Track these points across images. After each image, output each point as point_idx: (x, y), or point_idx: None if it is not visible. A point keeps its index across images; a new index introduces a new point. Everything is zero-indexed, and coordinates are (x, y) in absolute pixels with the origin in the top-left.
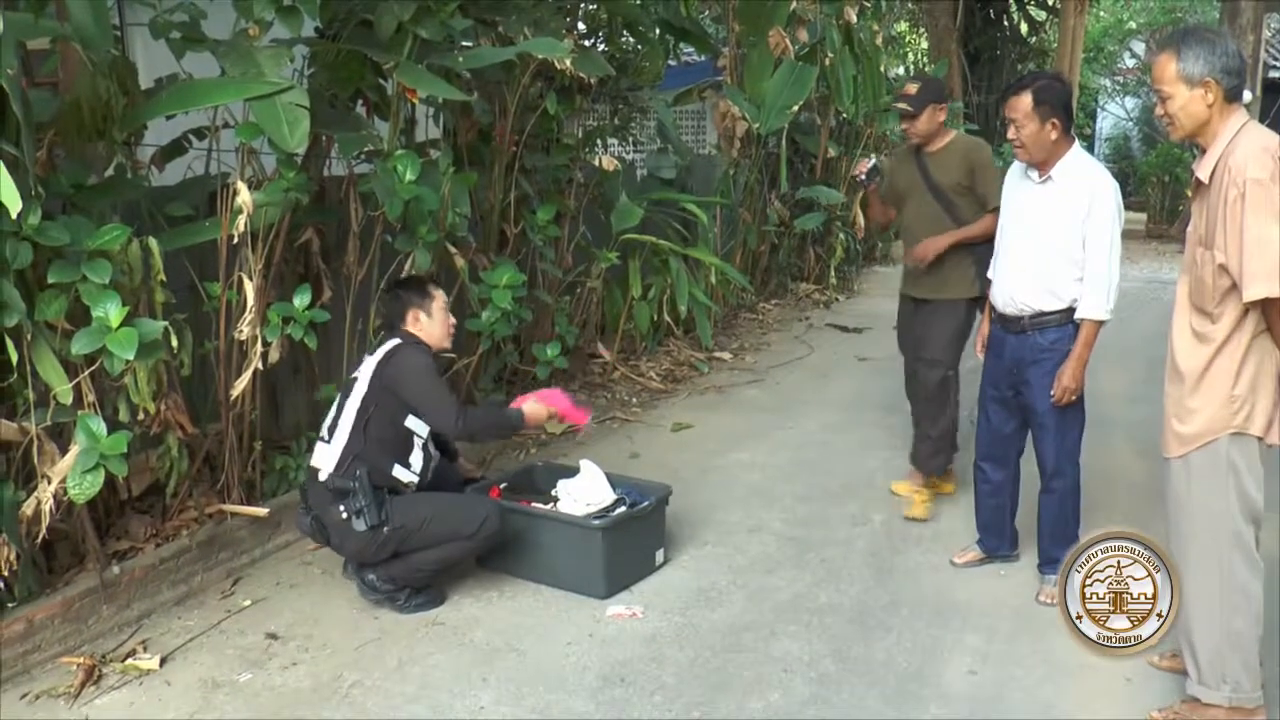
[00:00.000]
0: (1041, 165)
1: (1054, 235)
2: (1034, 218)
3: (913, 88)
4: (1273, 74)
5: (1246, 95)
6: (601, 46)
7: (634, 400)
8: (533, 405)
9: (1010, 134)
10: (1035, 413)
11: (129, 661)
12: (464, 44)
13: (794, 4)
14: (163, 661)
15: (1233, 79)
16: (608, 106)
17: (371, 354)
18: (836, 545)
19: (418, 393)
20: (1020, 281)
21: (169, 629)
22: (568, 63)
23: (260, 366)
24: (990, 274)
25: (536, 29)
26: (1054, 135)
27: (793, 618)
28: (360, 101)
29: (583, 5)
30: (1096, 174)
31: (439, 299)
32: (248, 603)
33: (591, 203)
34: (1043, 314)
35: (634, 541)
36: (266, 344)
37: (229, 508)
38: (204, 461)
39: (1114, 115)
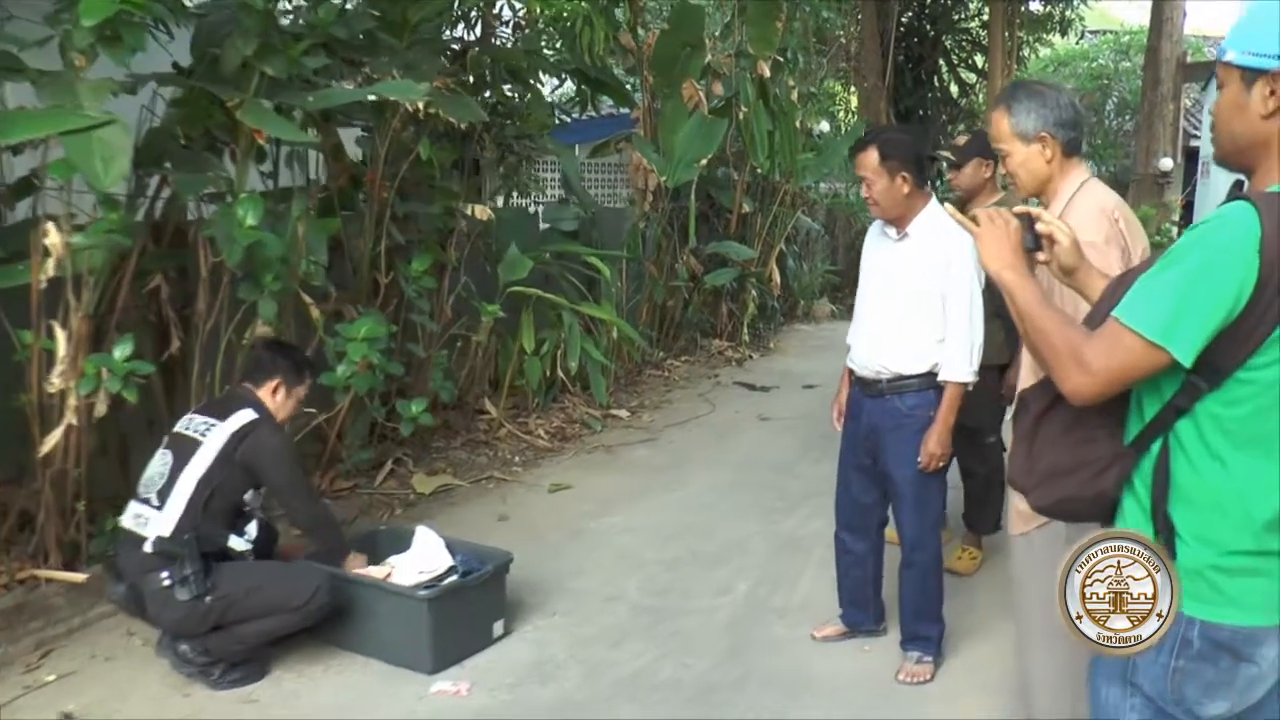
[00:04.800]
0: (897, 221)
1: (912, 294)
2: (891, 276)
3: (962, 139)
4: (1193, 143)
5: (1167, 163)
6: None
7: (516, 459)
8: (354, 558)
9: (863, 191)
10: (893, 482)
11: None
12: (331, 84)
13: (709, 57)
14: None
15: (1069, 131)
16: (494, 155)
17: (217, 417)
18: (694, 615)
19: (282, 480)
20: (878, 343)
21: None
22: (420, 105)
23: (74, 422)
24: (849, 338)
25: (408, 72)
26: (905, 190)
27: (630, 695)
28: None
29: (469, 51)
30: (954, 230)
31: (304, 391)
32: (52, 678)
33: (478, 254)
34: (902, 377)
35: (467, 612)
36: (83, 397)
37: (42, 573)
38: (22, 523)
39: None
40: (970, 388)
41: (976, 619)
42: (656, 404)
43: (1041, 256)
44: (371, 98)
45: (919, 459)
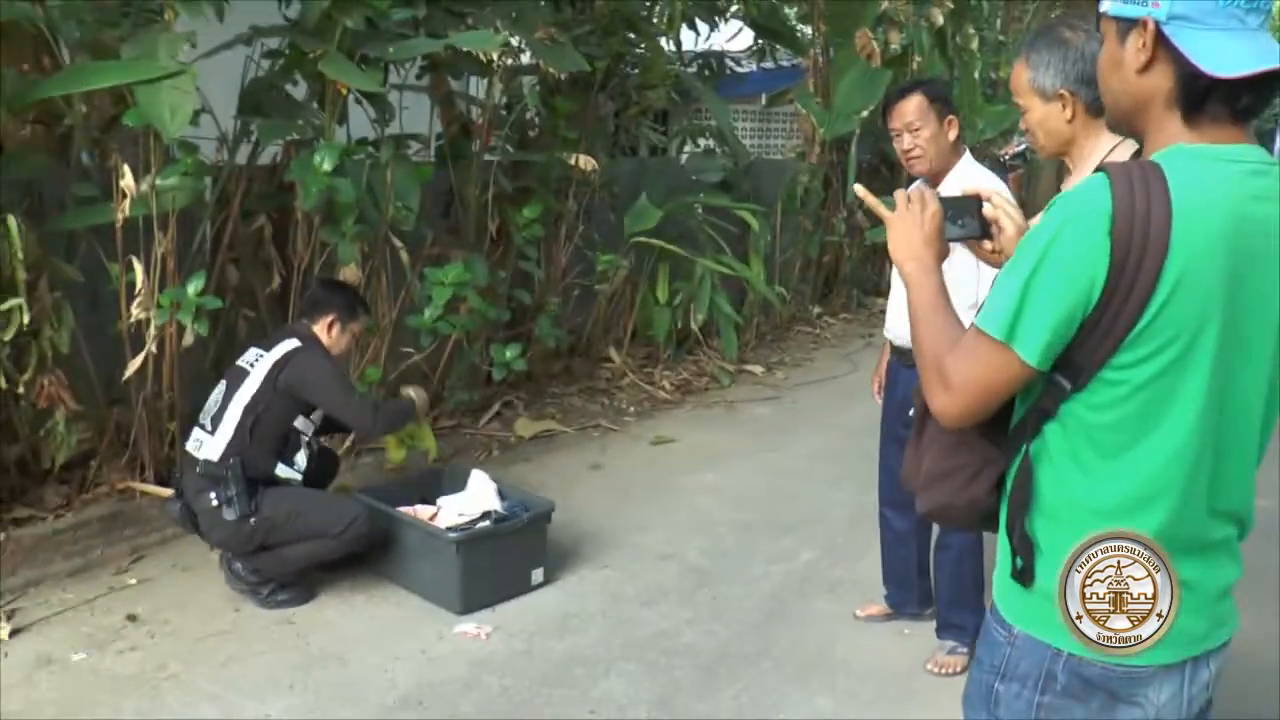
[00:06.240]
0: (935, 178)
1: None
2: None
3: None
4: None
5: None
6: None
7: (631, 409)
8: (415, 392)
9: (905, 143)
10: None
11: None
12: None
13: (885, 5)
14: (14, 633)
15: (1094, 90)
16: (614, 104)
17: (265, 350)
18: (741, 583)
19: (330, 398)
20: None
21: (45, 600)
22: (494, 54)
23: (154, 350)
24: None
25: (512, 23)
26: (952, 135)
27: (639, 656)
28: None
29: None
30: (990, 186)
31: (359, 327)
32: (133, 581)
33: (605, 203)
34: None
35: (501, 558)
36: (162, 327)
37: (136, 485)
38: (126, 440)
39: None
40: None
41: None
42: (797, 361)
43: (989, 245)
44: (465, 48)
45: None
